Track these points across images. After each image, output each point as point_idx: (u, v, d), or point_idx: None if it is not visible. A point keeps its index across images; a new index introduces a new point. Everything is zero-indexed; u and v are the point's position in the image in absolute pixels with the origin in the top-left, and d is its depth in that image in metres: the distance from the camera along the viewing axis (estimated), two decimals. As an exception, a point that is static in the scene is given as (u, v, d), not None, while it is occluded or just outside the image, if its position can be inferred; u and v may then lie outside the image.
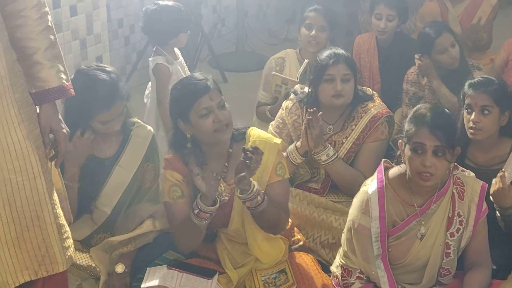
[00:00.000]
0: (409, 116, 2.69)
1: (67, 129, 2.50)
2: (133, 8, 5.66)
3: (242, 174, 2.59)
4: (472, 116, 3.00)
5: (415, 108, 2.71)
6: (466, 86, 3.07)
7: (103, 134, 3.00)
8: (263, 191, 2.71)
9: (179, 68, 3.87)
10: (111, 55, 5.09)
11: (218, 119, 2.72)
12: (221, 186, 2.78)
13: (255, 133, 2.86)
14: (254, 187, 2.64)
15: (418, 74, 4.00)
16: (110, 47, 5.14)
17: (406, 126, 2.66)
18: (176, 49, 3.92)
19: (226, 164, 2.82)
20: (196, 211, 2.65)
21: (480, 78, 3.10)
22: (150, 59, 3.88)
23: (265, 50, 6.28)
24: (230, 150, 2.82)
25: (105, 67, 3.01)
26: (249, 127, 2.91)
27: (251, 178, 2.63)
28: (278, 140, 2.86)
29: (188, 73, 3.90)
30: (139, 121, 3.15)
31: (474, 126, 3.00)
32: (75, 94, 2.49)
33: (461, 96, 3.12)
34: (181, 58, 3.94)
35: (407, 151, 2.63)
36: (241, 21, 6.48)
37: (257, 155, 2.59)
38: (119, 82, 2.96)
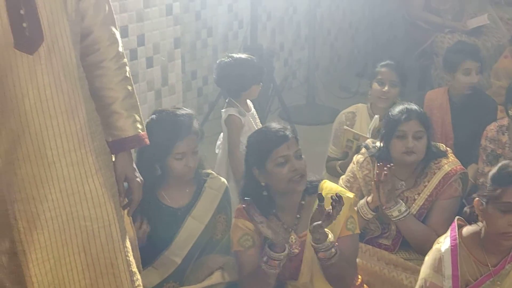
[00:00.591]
0: (492, 174, 2.63)
1: (141, 178, 2.55)
2: (206, 60, 5.78)
3: (318, 222, 2.59)
4: None
5: (500, 166, 2.64)
6: None
7: (175, 182, 3.04)
8: (337, 243, 2.70)
9: (251, 119, 3.91)
10: (184, 106, 5.18)
11: (294, 168, 2.74)
12: (291, 238, 2.79)
13: (328, 186, 2.87)
14: (329, 237, 2.63)
15: (498, 131, 3.92)
16: (184, 98, 5.25)
17: (490, 184, 2.60)
18: (248, 101, 3.97)
19: (298, 215, 2.82)
20: (265, 258, 2.66)
21: None
22: (222, 110, 3.94)
23: (336, 103, 6.29)
24: (303, 202, 2.82)
25: (183, 108, 3.12)
26: (321, 180, 2.91)
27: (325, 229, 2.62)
28: (350, 194, 2.86)
29: (260, 125, 3.94)
30: (213, 172, 3.19)
31: None
32: (153, 132, 2.56)
33: None
34: (253, 110, 3.98)
35: (490, 210, 2.57)
36: (312, 74, 6.52)
37: (339, 205, 2.59)
38: (194, 118, 3.05)
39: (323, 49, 7.14)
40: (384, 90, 4.03)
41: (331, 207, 2.61)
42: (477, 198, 2.64)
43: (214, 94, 5.75)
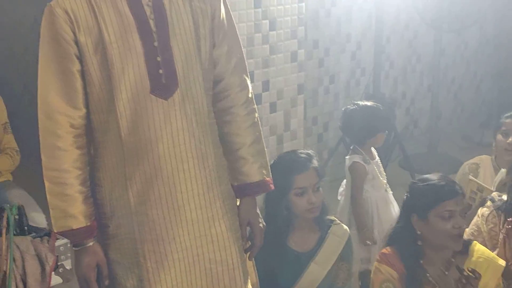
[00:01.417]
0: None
1: (264, 223, 2.60)
2: (327, 106, 5.82)
3: None
4: None
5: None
6: None
7: (300, 227, 3.08)
8: None
9: (375, 167, 3.90)
10: (304, 151, 5.24)
11: (458, 226, 2.73)
12: None
13: (480, 249, 2.83)
14: None
15: None
16: (304, 144, 5.29)
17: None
18: (373, 149, 3.97)
19: (446, 273, 2.78)
20: None
21: None
22: (347, 157, 3.95)
23: (458, 153, 6.19)
24: (453, 260, 2.78)
25: (308, 150, 3.19)
26: (472, 241, 2.87)
27: None
28: (502, 262, 2.80)
29: (384, 173, 3.93)
30: (336, 219, 3.20)
31: None
32: (275, 172, 2.62)
33: None
34: (377, 158, 3.98)
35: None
36: (434, 123, 6.45)
37: (473, 280, 2.55)
38: (314, 156, 3.11)
39: (446, 98, 7.06)
40: (508, 142, 3.94)
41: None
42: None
43: (334, 141, 5.77)
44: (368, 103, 3.99)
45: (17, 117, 4.24)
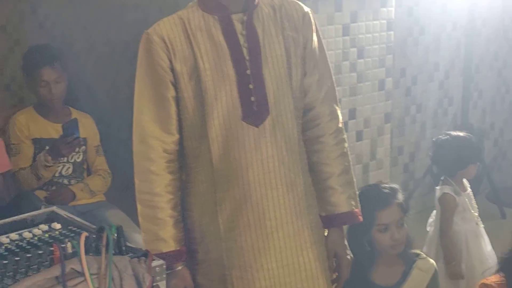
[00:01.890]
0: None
1: (351, 255, 2.58)
2: (414, 136, 5.75)
3: None
4: None
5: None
6: None
7: (384, 261, 3.04)
8: None
9: (467, 200, 3.84)
10: (390, 181, 5.18)
11: None
12: None
13: None
14: None
15: None
16: (390, 173, 5.24)
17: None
18: (465, 180, 3.91)
19: None
20: None
21: None
22: (437, 187, 3.90)
23: (549, 186, 6.03)
24: None
25: (387, 182, 3.15)
26: None
27: None
28: None
29: (475, 206, 3.86)
30: (422, 253, 3.15)
31: None
32: (360, 205, 2.60)
33: None
34: (469, 190, 3.91)
35: None
36: (524, 154, 6.31)
37: None
38: (398, 191, 3.07)
39: (537, 128, 6.89)
40: None
41: None
42: None
43: (421, 171, 5.70)
44: (461, 134, 3.94)
45: (107, 139, 4.35)
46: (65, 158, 3.86)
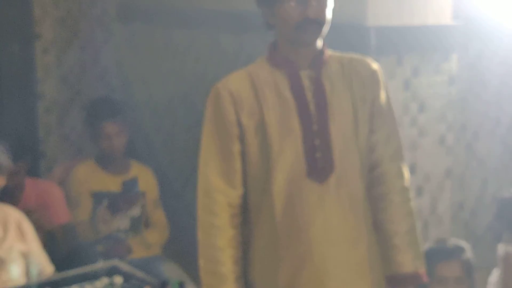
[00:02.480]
0: None
1: None
2: (475, 192, 5.64)
3: None
4: None
5: None
6: None
7: None
8: None
9: None
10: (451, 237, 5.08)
11: None
12: None
13: None
14: None
15: None
16: (451, 230, 5.14)
17: None
18: None
19: None
20: None
21: None
22: (500, 245, 3.79)
23: None
24: None
25: (451, 240, 3.05)
26: None
27: None
28: None
29: None
30: None
31: None
32: None
33: None
34: None
35: None
36: None
37: None
38: (465, 249, 3.11)
39: None
40: None
41: None
42: None
43: (481, 228, 5.58)
44: None
45: (163, 191, 4.36)
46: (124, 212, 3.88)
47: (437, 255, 2.87)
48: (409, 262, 2.46)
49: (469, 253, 3.00)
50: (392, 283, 2.49)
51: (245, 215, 2.43)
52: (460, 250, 2.97)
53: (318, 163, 2.33)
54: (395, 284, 2.49)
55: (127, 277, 2.29)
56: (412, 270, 2.46)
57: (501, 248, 3.76)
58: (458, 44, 4.49)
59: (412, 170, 4.52)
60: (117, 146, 3.89)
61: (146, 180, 4.00)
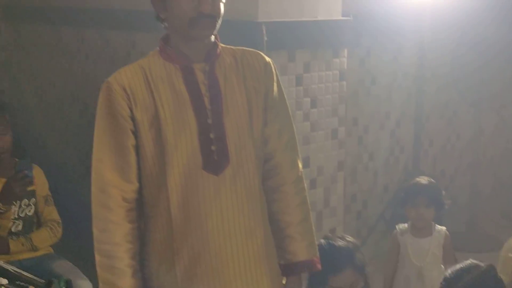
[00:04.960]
0: None
1: None
2: (366, 184, 5.80)
3: None
4: None
5: None
6: None
7: None
8: None
9: (412, 244, 3.90)
10: (344, 229, 5.20)
11: None
12: None
13: None
14: None
15: None
16: (343, 221, 5.25)
17: None
18: (436, 227, 3.98)
19: None
20: None
21: None
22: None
23: (497, 231, 6.12)
24: None
25: (347, 237, 3.12)
26: None
27: None
28: None
29: (433, 252, 3.89)
30: None
31: None
32: None
33: None
34: (431, 237, 3.94)
35: None
36: (473, 201, 6.42)
37: None
38: (355, 252, 3.04)
39: (485, 176, 7.00)
40: None
41: None
42: None
43: (373, 218, 5.74)
44: (422, 180, 4.02)
45: (57, 190, 4.29)
46: (16, 214, 3.80)
47: (328, 269, 2.87)
48: (302, 251, 2.51)
49: (359, 254, 3.05)
50: (287, 271, 2.53)
51: (141, 210, 2.42)
52: (350, 256, 3.01)
53: (214, 156, 2.34)
54: (290, 272, 2.53)
55: (12, 278, 2.23)
56: (306, 259, 2.51)
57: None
58: (349, 40, 4.59)
59: (306, 164, 4.61)
60: (1, 146, 3.80)
61: (35, 176, 3.91)
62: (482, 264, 2.79)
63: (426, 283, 3.85)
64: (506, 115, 7.02)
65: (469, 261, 2.82)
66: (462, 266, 2.79)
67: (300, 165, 2.56)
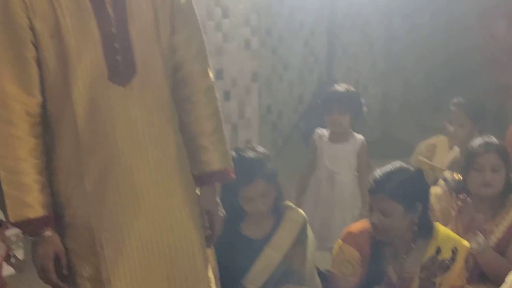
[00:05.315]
0: None
1: (224, 212, 2.58)
2: (282, 94, 5.83)
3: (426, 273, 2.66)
4: None
5: None
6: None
7: (254, 215, 3.09)
8: None
9: (327, 148, 4.00)
10: (259, 140, 5.25)
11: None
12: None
13: (443, 230, 2.89)
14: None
15: None
16: (259, 132, 5.30)
17: None
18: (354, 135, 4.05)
19: (404, 256, 2.81)
20: None
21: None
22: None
23: (411, 138, 6.26)
24: (413, 246, 2.80)
25: (257, 147, 3.13)
26: (435, 222, 2.93)
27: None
28: (466, 243, 2.90)
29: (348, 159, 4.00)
30: (291, 204, 3.22)
31: None
32: None
33: None
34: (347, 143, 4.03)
35: None
36: (387, 109, 6.53)
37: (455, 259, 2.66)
38: (265, 162, 3.06)
39: (398, 83, 7.13)
40: (451, 131, 4.04)
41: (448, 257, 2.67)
42: None
43: (289, 129, 5.80)
44: (339, 87, 4.04)
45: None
46: None
47: (239, 180, 2.79)
48: (216, 161, 2.49)
49: (269, 164, 3.06)
50: (200, 181, 2.52)
51: (46, 124, 2.35)
52: (260, 167, 3.02)
53: (120, 66, 2.28)
54: (204, 182, 2.52)
55: None
56: (219, 168, 2.50)
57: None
58: None
59: (219, 75, 4.61)
60: None
61: None
62: (411, 168, 2.86)
63: (335, 187, 3.94)
64: (418, 21, 7.11)
65: (398, 164, 2.88)
66: (391, 168, 2.85)
67: (211, 75, 2.52)
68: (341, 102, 3.91)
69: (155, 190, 2.38)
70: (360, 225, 2.95)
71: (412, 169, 2.85)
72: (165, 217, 2.40)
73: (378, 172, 2.85)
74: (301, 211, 3.20)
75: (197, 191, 2.53)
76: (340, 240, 2.92)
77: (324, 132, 3.98)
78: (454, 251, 2.69)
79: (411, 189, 2.79)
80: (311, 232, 3.22)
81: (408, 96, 7.47)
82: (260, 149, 3.14)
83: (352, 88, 4.04)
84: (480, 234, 3.11)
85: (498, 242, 3.16)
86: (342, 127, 3.93)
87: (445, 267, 2.66)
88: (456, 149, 3.88)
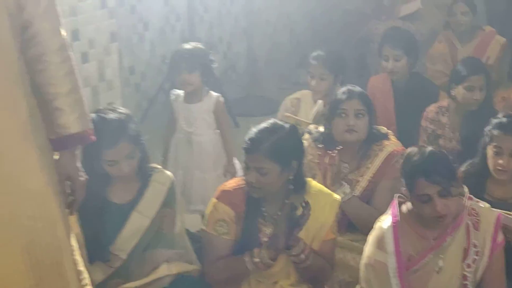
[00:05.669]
0: (403, 164, 2.69)
1: (85, 176, 2.48)
2: (144, 55, 5.70)
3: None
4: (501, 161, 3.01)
5: (406, 155, 2.71)
6: (494, 126, 3.08)
7: (120, 179, 2.99)
8: (309, 248, 2.75)
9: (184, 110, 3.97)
10: (123, 102, 5.11)
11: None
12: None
13: (315, 185, 2.89)
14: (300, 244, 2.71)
15: (438, 112, 4.00)
16: (122, 94, 5.15)
17: (405, 177, 2.66)
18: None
19: (279, 213, 2.78)
20: (256, 260, 2.70)
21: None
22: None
23: (276, 94, 6.30)
24: (287, 201, 2.76)
25: (119, 108, 3.02)
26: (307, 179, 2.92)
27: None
28: (338, 197, 2.91)
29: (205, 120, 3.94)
30: (159, 166, 3.14)
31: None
32: None
33: (486, 136, 3.10)
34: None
35: (416, 203, 2.63)
36: (251, 66, 6.53)
37: (307, 212, 2.66)
38: (128, 123, 2.96)
39: (262, 40, 7.13)
40: (312, 84, 4.07)
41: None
42: (404, 188, 2.69)
43: (153, 90, 5.69)
44: (188, 46, 3.94)
45: None
46: None
47: (101, 142, 2.72)
48: (73, 123, 2.38)
49: (132, 124, 2.95)
50: (58, 146, 2.40)
51: None
52: (123, 128, 2.90)
53: None
54: (62, 147, 2.40)
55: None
56: (77, 131, 2.39)
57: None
58: None
59: (75, 37, 4.42)
60: None
61: None
62: (286, 125, 2.83)
63: (194, 147, 3.91)
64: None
65: (273, 121, 2.85)
66: (266, 126, 2.80)
67: (64, 33, 2.38)
68: (188, 61, 3.83)
69: (9, 155, 2.25)
70: (234, 182, 2.92)
71: (287, 126, 2.83)
72: (20, 185, 2.28)
73: (254, 131, 2.80)
74: (168, 173, 3.13)
75: (56, 157, 2.41)
76: (214, 199, 2.87)
77: (179, 93, 3.92)
78: (304, 206, 2.69)
79: (287, 147, 2.77)
80: (179, 195, 3.16)
81: (273, 52, 7.49)
82: (122, 109, 3.03)
83: (200, 46, 3.96)
84: (346, 184, 3.16)
85: (363, 192, 3.22)
86: (193, 86, 3.86)
87: (298, 221, 2.67)
88: (320, 102, 3.91)
